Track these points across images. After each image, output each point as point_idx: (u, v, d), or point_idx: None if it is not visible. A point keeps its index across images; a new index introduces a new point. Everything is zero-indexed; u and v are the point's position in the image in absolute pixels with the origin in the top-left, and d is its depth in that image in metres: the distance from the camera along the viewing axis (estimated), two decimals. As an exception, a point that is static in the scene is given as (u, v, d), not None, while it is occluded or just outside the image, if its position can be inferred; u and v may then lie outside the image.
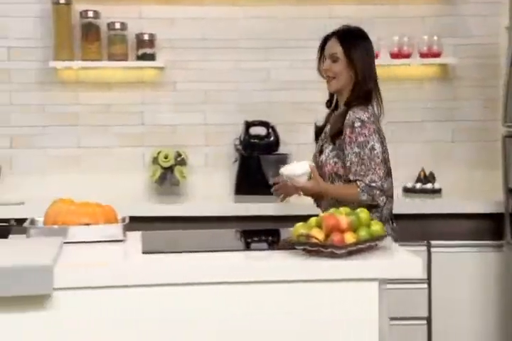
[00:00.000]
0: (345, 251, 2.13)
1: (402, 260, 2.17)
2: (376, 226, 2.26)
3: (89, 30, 3.81)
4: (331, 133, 2.79)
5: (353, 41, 2.80)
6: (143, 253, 2.24)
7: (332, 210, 2.28)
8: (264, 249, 2.40)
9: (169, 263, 2.13)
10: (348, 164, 2.70)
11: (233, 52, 3.93)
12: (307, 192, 2.76)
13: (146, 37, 3.84)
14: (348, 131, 2.70)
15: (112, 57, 3.83)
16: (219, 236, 2.65)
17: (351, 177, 2.70)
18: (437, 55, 3.91)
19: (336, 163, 2.75)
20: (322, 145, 2.86)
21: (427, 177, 3.89)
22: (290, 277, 2.08)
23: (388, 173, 2.78)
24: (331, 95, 2.89)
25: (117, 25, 3.82)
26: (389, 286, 2.25)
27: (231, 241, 2.61)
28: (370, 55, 2.82)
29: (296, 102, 3.98)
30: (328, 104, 2.91)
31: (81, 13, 3.82)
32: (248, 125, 3.90)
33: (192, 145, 3.94)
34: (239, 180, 3.87)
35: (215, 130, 3.96)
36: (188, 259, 2.17)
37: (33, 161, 3.85)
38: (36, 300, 1.99)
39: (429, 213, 3.46)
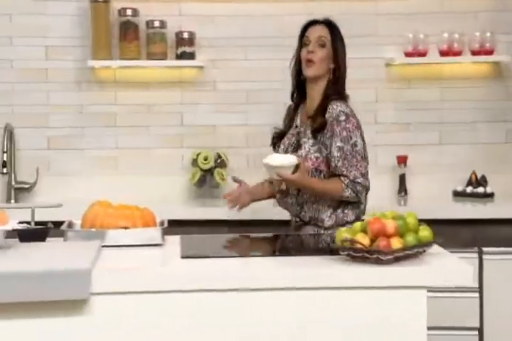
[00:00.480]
0: (391, 257, 2.11)
1: (452, 267, 2.15)
2: (424, 232, 2.24)
3: (128, 29, 3.85)
4: (314, 127, 2.78)
5: (338, 33, 2.87)
6: (181, 257, 2.25)
7: (378, 214, 2.27)
8: (306, 254, 2.39)
9: (208, 269, 2.14)
10: (330, 159, 2.74)
11: (275, 50, 3.94)
12: (292, 185, 2.74)
13: (185, 35, 3.87)
14: (332, 124, 2.73)
15: (150, 56, 3.87)
16: (259, 241, 2.66)
17: (336, 172, 2.72)
18: (490, 52, 3.86)
19: (317, 158, 2.76)
20: (299, 141, 2.84)
21: (479, 181, 3.84)
22: (333, 284, 2.08)
23: (368, 171, 2.81)
24: (296, 88, 2.90)
25: (156, 23, 3.86)
26: (438, 295, 2.23)
27: (272, 246, 2.61)
28: (345, 50, 2.89)
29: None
30: (296, 97, 2.91)
31: (119, 11, 3.87)
32: (290, 126, 3.90)
33: (232, 146, 3.96)
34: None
35: (256, 131, 3.97)
36: (228, 264, 2.18)
37: (70, 163, 3.90)
38: (73, 305, 2.02)
39: (481, 218, 3.42)
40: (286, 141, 2.91)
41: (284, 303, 2.08)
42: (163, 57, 3.88)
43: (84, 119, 3.92)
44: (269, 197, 2.99)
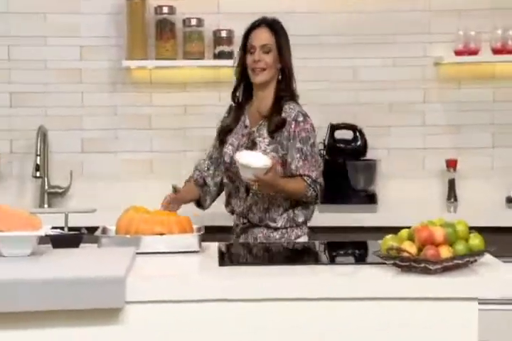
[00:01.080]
0: (440, 266, 2.10)
1: (505, 278, 2.13)
2: (475, 240, 2.22)
3: (164, 27, 3.88)
4: (272, 126, 2.84)
5: (282, 33, 2.92)
6: (219, 265, 2.26)
7: (426, 222, 2.26)
8: (350, 263, 2.39)
9: (247, 277, 2.15)
10: (289, 159, 2.83)
11: (317, 49, 3.93)
12: (264, 186, 2.75)
13: (223, 33, 3.89)
14: (291, 125, 2.84)
15: (187, 56, 3.89)
16: (300, 248, 2.66)
17: (296, 172, 2.81)
18: (546, 50, 3.81)
19: (273, 157, 2.80)
20: (253, 140, 2.87)
21: (534, 186, 3.79)
22: (378, 294, 2.07)
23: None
24: (237, 88, 2.97)
25: (193, 22, 3.88)
26: (489, 307, 2.20)
27: (314, 254, 2.60)
28: (290, 48, 2.95)
29: (386, 103, 3.95)
30: (235, 97, 2.98)
31: (155, 8, 3.90)
32: (333, 128, 3.89)
33: (272, 149, 3.95)
34: (324, 187, 3.85)
35: (297, 133, 3.96)
36: (268, 272, 2.18)
37: (104, 166, 3.94)
38: (107, 314, 2.04)
39: (537, 226, 3.37)
40: (235, 141, 2.94)
41: (323, 315, 2.08)
42: (201, 56, 3.90)
43: (118, 121, 3.95)
44: (192, 199, 3.04)
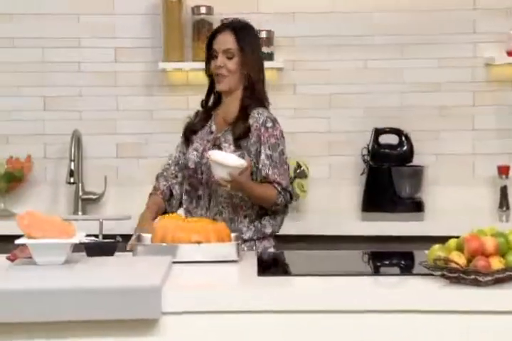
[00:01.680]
0: (491, 278, 2.08)
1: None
2: (528, 251, 2.19)
3: (202, 28, 3.91)
4: (237, 133, 2.84)
5: (247, 37, 2.89)
6: (258, 275, 2.27)
7: (476, 231, 2.24)
8: (395, 274, 2.38)
9: (287, 288, 2.15)
10: (259, 166, 2.81)
11: (361, 50, 3.93)
12: (237, 187, 2.73)
13: (263, 34, 3.90)
14: (260, 130, 2.84)
15: (225, 58, 3.91)
16: (343, 259, 2.65)
17: (267, 179, 2.79)
18: None
19: (247, 158, 2.79)
20: (219, 145, 2.86)
21: None
22: (425, 307, 2.06)
23: None
24: (210, 94, 2.96)
25: (232, 22, 3.90)
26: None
27: (357, 264, 2.60)
28: (261, 53, 2.95)
29: (434, 106, 3.93)
30: (205, 103, 2.97)
31: (193, 9, 3.93)
32: (378, 132, 3.88)
33: (314, 155, 3.96)
34: (367, 195, 3.85)
35: (339, 138, 3.96)
36: (308, 283, 2.18)
37: (140, 171, 3.97)
38: (142, 325, 2.05)
39: None
40: (199, 146, 2.92)
41: (365, 327, 2.07)
42: (240, 58, 3.91)
43: (154, 125, 3.98)
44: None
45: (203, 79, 3.96)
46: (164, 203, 2.95)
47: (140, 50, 3.98)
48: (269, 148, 2.84)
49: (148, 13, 3.98)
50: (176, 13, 3.90)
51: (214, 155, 2.70)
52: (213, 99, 2.97)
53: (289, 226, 3.50)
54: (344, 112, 3.96)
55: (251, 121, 2.86)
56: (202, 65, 3.89)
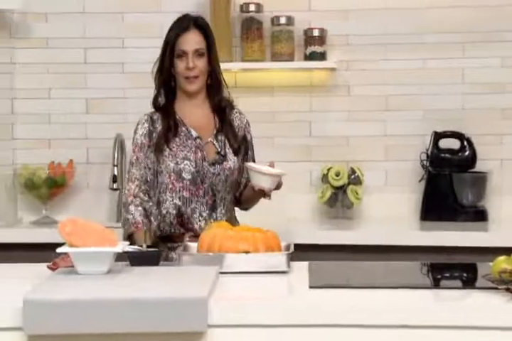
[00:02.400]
0: (560, 293, 2.05)
1: None
2: None
3: (251, 26, 3.92)
4: (238, 141, 2.97)
5: (211, 34, 2.95)
6: (310, 287, 2.26)
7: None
8: (457, 288, 2.35)
9: (340, 301, 2.14)
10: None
11: (420, 49, 3.91)
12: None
13: (315, 33, 3.90)
14: (245, 131, 3.01)
15: (275, 58, 3.92)
16: (401, 270, 2.63)
17: None
18: None
19: (239, 169, 2.94)
20: (219, 152, 2.93)
21: None
22: (489, 323, 2.03)
23: None
24: (158, 96, 2.98)
25: (282, 20, 3.91)
26: None
27: (416, 277, 2.58)
28: (216, 48, 2.98)
29: (497, 108, 3.89)
30: (157, 104, 2.98)
31: (241, 6, 3.95)
32: (438, 136, 3.85)
33: (369, 160, 3.94)
34: (426, 203, 3.82)
35: (396, 142, 3.94)
36: (364, 297, 2.17)
37: (185, 178, 3.99)
38: (188, 338, 2.06)
39: None
40: (188, 154, 2.91)
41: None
42: (290, 58, 3.92)
43: (200, 129, 4.00)
44: None
45: (253, 81, 4.01)
46: (147, 233, 2.72)
47: (186, 50, 4.00)
48: (251, 149, 3.04)
49: (195, 11, 3.99)
50: (223, 12, 3.92)
51: (254, 166, 2.81)
52: (164, 98, 2.99)
53: (342, 236, 3.50)
54: (401, 115, 3.93)
55: (237, 122, 3.01)
56: (252, 65, 3.95)
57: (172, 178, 2.90)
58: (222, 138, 2.96)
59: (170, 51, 2.93)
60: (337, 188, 3.88)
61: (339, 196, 3.89)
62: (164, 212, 2.91)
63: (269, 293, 2.29)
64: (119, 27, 4.02)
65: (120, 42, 4.03)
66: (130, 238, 2.81)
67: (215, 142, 2.96)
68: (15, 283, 2.36)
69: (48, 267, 2.42)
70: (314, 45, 3.91)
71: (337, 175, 3.86)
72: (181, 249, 2.62)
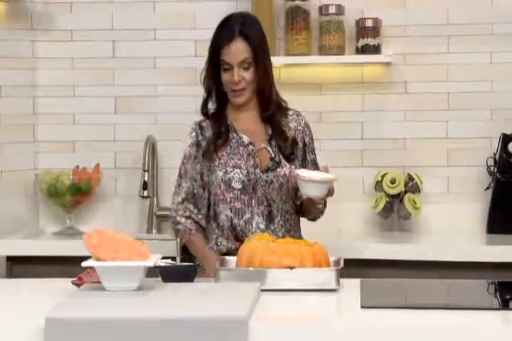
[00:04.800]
0: None
1: None
2: None
3: (296, 17, 3.93)
4: (288, 150, 3.01)
5: (257, 37, 2.99)
6: (361, 307, 2.26)
7: None
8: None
9: (395, 323, 2.14)
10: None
11: (486, 41, 3.89)
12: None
13: (368, 23, 3.90)
14: (303, 133, 3.08)
15: (324, 51, 3.93)
16: (464, 289, 2.63)
17: None
18: None
19: (293, 175, 2.94)
20: (273, 158, 2.97)
21: None
22: None
23: None
24: (207, 102, 3.03)
25: (332, 9, 3.92)
26: None
27: (481, 297, 2.57)
28: (268, 49, 3.03)
29: None
30: (205, 111, 3.04)
31: (286, -6, 3.97)
32: (507, 139, 3.83)
33: (428, 166, 3.93)
34: (493, 213, 3.80)
35: (460, 146, 3.92)
36: (421, 318, 2.16)
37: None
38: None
39: None
40: (239, 162, 2.96)
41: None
42: (340, 51, 3.92)
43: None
44: None
45: (298, 77, 4.01)
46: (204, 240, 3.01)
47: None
48: (312, 152, 3.10)
49: (235, -1, 4.03)
50: (266, 0, 3.93)
51: (303, 174, 2.83)
52: (216, 104, 3.04)
53: (398, 250, 3.49)
54: (465, 115, 3.92)
55: (294, 124, 3.06)
56: (297, 59, 3.96)
57: (222, 188, 2.96)
58: (275, 143, 3.02)
59: (215, 62, 2.98)
60: (393, 197, 3.87)
61: (395, 206, 3.88)
62: (221, 225, 2.97)
63: (315, 314, 2.30)
64: (150, 17, 4.06)
65: (152, 35, 4.06)
66: (185, 250, 2.91)
67: (268, 148, 3.01)
68: (36, 300, 2.39)
69: (73, 283, 2.45)
70: (367, 37, 3.91)
71: (393, 182, 3.86)
72: (218, 263, 2.64)
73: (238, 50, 2.95)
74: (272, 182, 2.97)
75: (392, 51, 3.94)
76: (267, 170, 2.98)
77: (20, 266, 3.63)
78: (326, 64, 3.97)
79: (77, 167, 4.02)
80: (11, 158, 3.96)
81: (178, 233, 2.99)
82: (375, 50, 3.90)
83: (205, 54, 3.99)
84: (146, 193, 3.87)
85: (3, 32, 3.93)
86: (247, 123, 3.05)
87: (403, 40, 3.96)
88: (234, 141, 3.02)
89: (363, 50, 3.92)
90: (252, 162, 2.98)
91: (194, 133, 3.05)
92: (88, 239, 2.37)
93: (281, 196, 2.99)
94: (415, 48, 3.95)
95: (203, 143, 3.01)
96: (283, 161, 3.01)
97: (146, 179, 3.87)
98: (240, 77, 2.95)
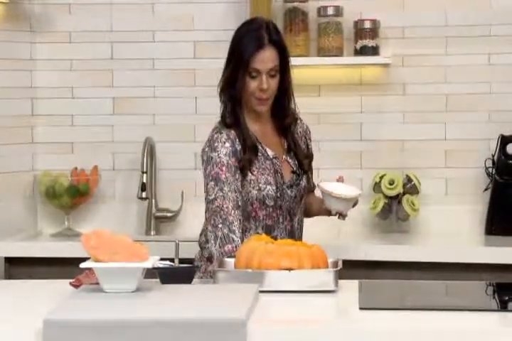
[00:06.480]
0: None
1: None
2: None
3: (295, 18, 3.94)
4: (307, 157, 3.03)
5: (284, 45, 2.95)
6: (360, 308, 2.26)
7: None
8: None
9: (393, 324, 2.14)
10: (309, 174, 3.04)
11: (485, 43, 3.89)
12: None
13: (367, 24, 3.90)
14: (309, 138, 3.11)
15: (322, 52, 3.93)
16: (463, 290, 2.63)
17: (312, 189, 3.05)
18: None
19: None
20: (294, 172, 2.97)
21: None
22: None
23: None
24: (227, 111, 2.95)
25: (330, 10, 3.92)
26: None
27: (480, 298, 2.57)
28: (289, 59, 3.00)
29: None
30: (227, 122, 2.94)
31: (284, -5, 3.97)
32: (505, 141, 3.83)
33: (427, 167, 3.93)
34: (491, 215, 3.80)
35: (458, 147, 3.93)
36: (420, 320, 2.16)
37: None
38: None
39: None
40: (269, 178, 2.90)
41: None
42: (339, 53, 3.93)
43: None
44: None
45: (296, 78, 3.98)
46: None
47: (223, 44, 3.98)
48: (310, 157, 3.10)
49: (233, 1, 4.03)
50: (264, 1, 3.93)
51: (328, 188, 2.82)
52: (232, 113, 2.96)
53: (397, 252, 3.49)
54: (464, 116, 3.92)
55: (299, 129, 3.07)
56: (295, 61, 3.87)
57: (255, 206, 2.91)
58: (293, 155, 3.00)
59: (244, 69, 2.91)
60: (391, 198, 3.87)
61: (393, 207, 3.88)
62: None
63: (314, 315, 2.29)
64: (149, 19, 4.06)
65: (151, 36, 4.06)
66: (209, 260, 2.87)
67: (289, 160, 2.99)
68: (34, 301, 2.39)
69: (71, 284, 2.44)
70: (365, 39, 3.91)
71: (391, 183, 3.86)
72: (216, 265, 2.63)
73: (269, 57, 2.91)
74: (295, 196, 2.95)
75: (391, 53, 3.94)
76: (291, 186, 2.95)
77: (19, 267, 3.63)
78: (325, 65, 3.97)
79: (76, 168, 4.02)
80: (9, 160, 3.96)
81: (228, 241, 2.78)
82: (374, 51, 3.90)
83: (204, 55, 4.04)
84: (144, 195, 3.87)
85: (1, 33, 3.93)
86: (267, 135, 3.00)
87: (401, 41, 3.96)
88: (260, 154, 2.94)
89: (361, 51, 3.92)
90: (279, 177, 2.94)
91: (228, 143, 2.88)
92: (86, 240, 2.36)
93: (301, 208, 3.00)
94: (414, 50, 3.95)
95: (239, 156, 2.88)
96: (301, 174, 2.99)
97: (144, 180, 3.87)
98: (268, 84, 2.91)
